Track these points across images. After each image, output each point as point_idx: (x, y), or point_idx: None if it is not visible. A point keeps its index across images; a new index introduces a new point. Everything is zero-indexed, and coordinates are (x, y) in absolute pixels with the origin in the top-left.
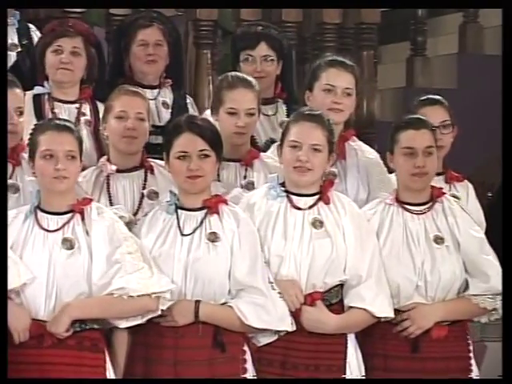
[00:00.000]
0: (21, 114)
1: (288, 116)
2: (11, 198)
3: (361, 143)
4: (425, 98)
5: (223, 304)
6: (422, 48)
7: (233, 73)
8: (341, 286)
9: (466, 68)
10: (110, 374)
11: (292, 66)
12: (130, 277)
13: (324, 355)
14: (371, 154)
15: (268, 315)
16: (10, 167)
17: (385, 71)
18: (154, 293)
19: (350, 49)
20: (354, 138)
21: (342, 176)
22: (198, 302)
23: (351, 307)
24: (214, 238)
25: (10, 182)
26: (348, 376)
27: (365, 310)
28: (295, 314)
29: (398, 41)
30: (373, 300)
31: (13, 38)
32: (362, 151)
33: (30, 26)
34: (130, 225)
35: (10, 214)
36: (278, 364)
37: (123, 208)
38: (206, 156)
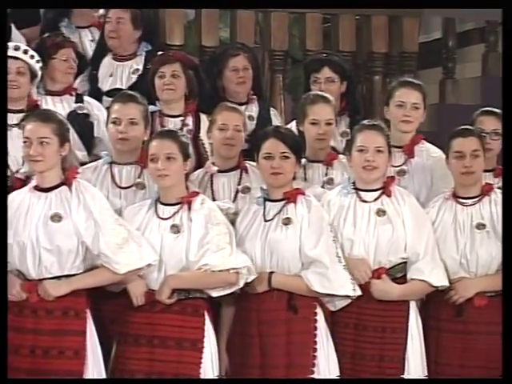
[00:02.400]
0: (132, 124)
1: (350, 127)
2: (138, 193)
3: (428, 145)
4: (486, 109)
5: (296, 274)
6: (451, 72)
7: (313, 91)
8: (404, 263)
9: (488, 88)
10: (209, 335)
11: (355, 87)
12: (214, 255)
13: (389, 319)
14: (435, 153)
15: (329, 283)
16: (139, 169)
17: None
18: (232, 268)
19: (394, 73)
20: (423, 141)
21: (410, 173)
22: (271, 273)
23: (412, 279)
24: (287, 221)
25: (138, 180)
26: (409, 336)
27: (424, 281)
28: (365, 286)
29: (432, 66)
30: (430, 273)
31: (138, 63)
32: (427, 151)
33: (159, 53)
34: (236, 214)
35: (137, 205)
36: (352, 326)
37: (230, 201)
38: (287, 157)
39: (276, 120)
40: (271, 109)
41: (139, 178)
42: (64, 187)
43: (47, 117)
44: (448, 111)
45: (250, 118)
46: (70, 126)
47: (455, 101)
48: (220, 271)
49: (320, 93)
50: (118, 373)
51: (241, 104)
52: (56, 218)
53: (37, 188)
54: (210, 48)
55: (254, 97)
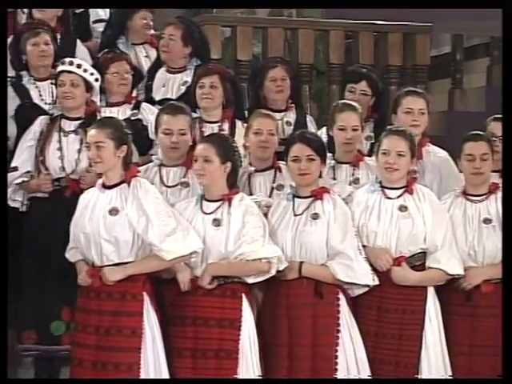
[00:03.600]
0: (182, 134)
1: (374, 132)
2: (183, 192)
3: (434, 147)
4: (498, 116)
5: (322, 264)
6: (459, 83)
7: (342, 101)
8: (423, 253)
9: (492, 97)
10: (246, 314)
11: (384, 101)
12: (248, 246)
13: (408, 302)
14: (440, 153)
15: (353, 272)
16: (184, 170)
17: (432, 99)
18: (264, 258)
19: (408, 84)
20: (429, 143)
21: (421, 173)
22: (301, 262)
23: (430, 267)
24: (315, 216)
25: (183, 179)
26: (427, 317)
27: (440, 269)
28: (387, 273)
29: (442, 77)
30: (446, 262)
31: (188, 76)
32: (434, 153)
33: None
34: (267, 207)
35: (186, 201)
36: (375, 308)
37: (264, 195)
38: (312, 160)
39: (311, 126)
40: (307, 115)
41: (184, 177)
42: (124, 185)
43: (103, 123)
44: (456, 118)
45: (288, 123)
46: (128, 131)
47: (463, 108)
48: (253, 260)
49: (348, 101)
50: (170, 350)
51: (280, 111)
52: (114, 211)
53: (103, 185)
54: (244, 62)
55: (293, 105)
